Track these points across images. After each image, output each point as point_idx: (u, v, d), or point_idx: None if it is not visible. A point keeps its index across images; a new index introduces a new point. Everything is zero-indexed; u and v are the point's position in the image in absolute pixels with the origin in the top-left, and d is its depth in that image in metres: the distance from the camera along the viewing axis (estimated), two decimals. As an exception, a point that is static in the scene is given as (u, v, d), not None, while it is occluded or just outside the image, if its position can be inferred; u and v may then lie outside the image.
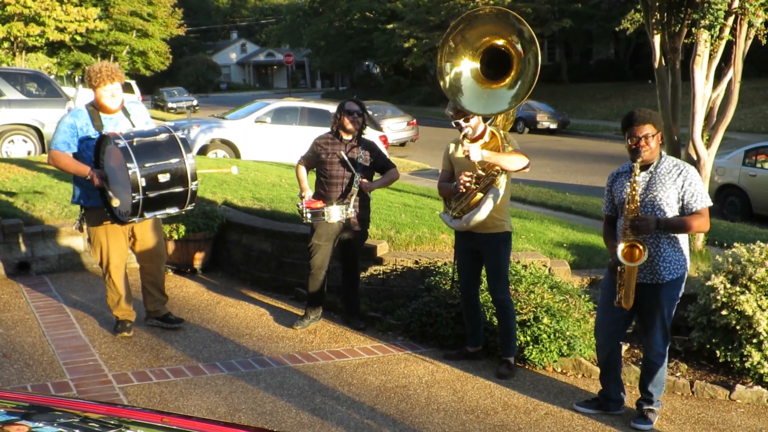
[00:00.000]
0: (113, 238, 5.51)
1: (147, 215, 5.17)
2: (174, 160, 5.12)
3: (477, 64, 5.07)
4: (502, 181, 5.10)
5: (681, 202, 4.38)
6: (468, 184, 5.09)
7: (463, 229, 5.20)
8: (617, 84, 38.76)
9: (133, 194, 4.94)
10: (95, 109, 5.38)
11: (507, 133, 5.21)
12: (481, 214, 5.04)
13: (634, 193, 4.37)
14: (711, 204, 4.37)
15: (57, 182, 9.04)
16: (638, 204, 4.38)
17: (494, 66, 5.00)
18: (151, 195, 5.04)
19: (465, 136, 5.18)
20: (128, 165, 4.91)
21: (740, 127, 24.85)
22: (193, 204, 5.38)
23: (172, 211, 5.31)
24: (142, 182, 4.95)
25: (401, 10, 41.38)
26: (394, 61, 45.98)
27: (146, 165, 4.99)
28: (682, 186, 4.34)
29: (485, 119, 5.26)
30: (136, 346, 5.54)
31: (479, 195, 5.09)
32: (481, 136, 5.21)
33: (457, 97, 5.07)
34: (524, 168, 5.04)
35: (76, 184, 5.45)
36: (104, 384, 4.83)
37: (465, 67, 5.09)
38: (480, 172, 5.10)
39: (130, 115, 5.52)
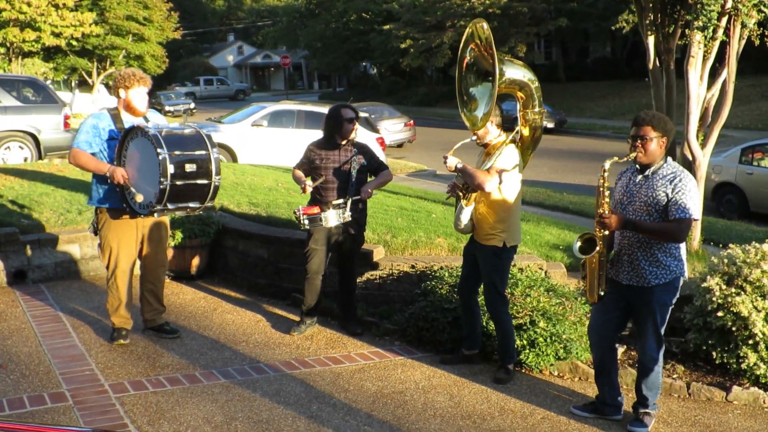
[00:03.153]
0: (124, 242, 5.58)
1: (170, 206, 5.23)
2: (200, 152, 5.28)
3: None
4: (493, 191, 5.13)
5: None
6: (453, 188, 5.37)
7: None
8: (614, 82, 38.70)
9: (162, 179, 5.04)
10: (117, 112, 5.55)
11: (506, 149, 5.17)
12: (459, 221, 5.30)
13: (602, 189, 4.42)
14: (695, 217, 4.33)
15: (53, 190, 9.03)
16: (606, 199, 4.41)
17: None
18: (179, 183, 5.14)
19: (475, 142, 5.36)
20: (158, 150, 5.04)
21: (737, 124, 24.84)
22: (213, 201, 5.45)
23: (194, 204, 5.38)
24: (171, 169, 5.07)
25: (397, 11, 41.35)
26: (391, 61, 45.95)
27: (175, 153, 5.13)
28: (672, 192, 4.34)
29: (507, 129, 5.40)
30: (132, 354, 5.53)
31: (462, 202, 5.29)
32: (490, 142, 5.27)
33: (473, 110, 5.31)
34: (479, 187, 5.10)
35: (96, 185, 5.55)
36: (100, 394, 4.83)
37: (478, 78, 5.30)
38: (456, 182, 5.34)
39: (149, 121, 5.64)
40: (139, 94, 5.50)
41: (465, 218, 5.25)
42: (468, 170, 5.12)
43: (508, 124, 5.27)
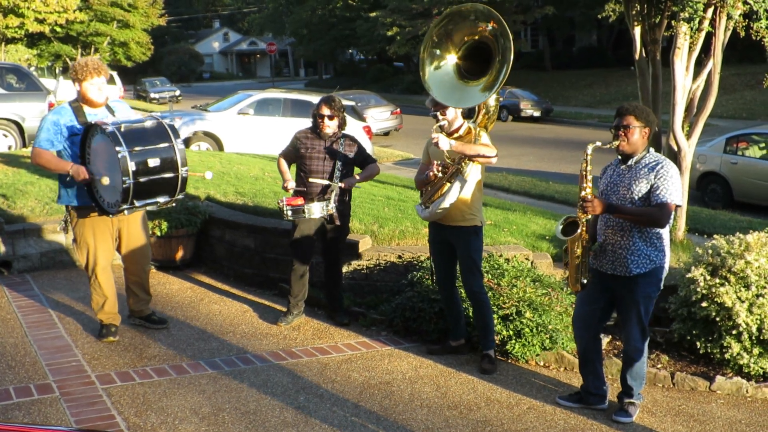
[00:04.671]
0: (101, 239, 5.46)
1: (137, 203, 5.12)
2: (163, 145, 5.11)
3: (457, 60, 5.12)
4: (472, 172, 5.13)
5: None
6: (437, 173, 5.18)
7: (433, 218, 5.29)
8: (600, 71, 38.81)
9: (124, 178, 4.90)
10: (79, 105, 5.36)
11: (482, 129, 5.20)
12: (446, 203, 5.10)
13: (584, 173, 4.47)
14: (677, 203, 4.38)
15: (38, 179, 8.97)
16: (589, 183, 4.45)
17: (474, 64, 5.02)
18: (142, 180, 5.01)
19: (441, 128, 5.25)
20: (117, 149, 4.87)
21: (722, 114, 24.99)
22: (183, 193, 5.34)
23: (162, 199, 5.26)
24: (132, 166, 4.92)
25: (384, -2, 41.24)
26: (378, 49, 45.84)
27: (136, 149, 4.96)
28: (654, 178, 4.38)
29: (466, 116, 5.30)
30: (119, 345, 5.52)
31: (447, 185, 5.16)
32: (457, 130, 5.24)
33: (433, 89, 5.13)
34: (489, 157, 5.07)
35: (62, 183, 5.40)
36: (87, 385, 4.82)
37: (446, 61, 5.14)
38: (447, 161, 5.18)
39: (114, 111, 5.51)
40: (93, 86, 5.29)
41: (450, 201, 5.09)
42: (467, 145, 5.04)
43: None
